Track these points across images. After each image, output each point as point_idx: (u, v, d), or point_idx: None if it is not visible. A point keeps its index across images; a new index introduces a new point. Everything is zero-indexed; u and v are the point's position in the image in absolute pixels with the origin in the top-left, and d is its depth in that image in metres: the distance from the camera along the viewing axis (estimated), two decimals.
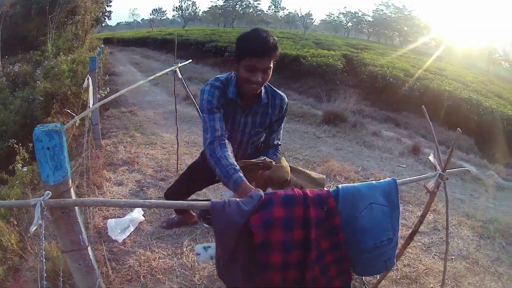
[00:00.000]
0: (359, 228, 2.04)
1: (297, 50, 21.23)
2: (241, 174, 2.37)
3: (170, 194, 3.84)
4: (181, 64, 5.76)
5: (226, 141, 2.66)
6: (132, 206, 4.44)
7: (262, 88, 2.78)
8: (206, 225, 4.59)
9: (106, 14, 40.45)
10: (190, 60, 7.19)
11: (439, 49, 71.70)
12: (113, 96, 3.84)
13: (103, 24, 46.25)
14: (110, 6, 40.80)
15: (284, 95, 3.02)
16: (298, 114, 11.90)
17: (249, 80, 2.58)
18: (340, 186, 2.05)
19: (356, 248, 2.09)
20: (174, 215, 4.57)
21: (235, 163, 2.49)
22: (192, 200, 5.13)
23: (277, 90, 2.99)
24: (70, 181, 1.70)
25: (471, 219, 6.39)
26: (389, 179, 2.18)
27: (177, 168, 6.12)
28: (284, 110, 3.06)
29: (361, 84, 17.48)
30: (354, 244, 2.08)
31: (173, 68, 5.55)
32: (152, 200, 1.61)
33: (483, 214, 6.78)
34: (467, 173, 9.17)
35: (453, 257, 5.01)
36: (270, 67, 2.56)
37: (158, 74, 5.27)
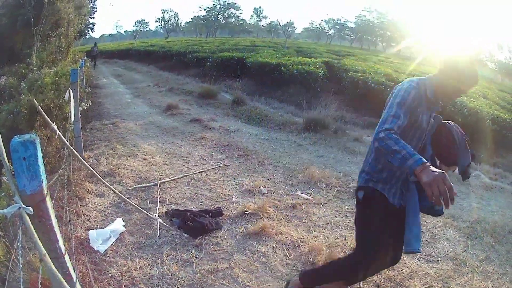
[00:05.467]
0: None
1: (278, 59, 21.27)
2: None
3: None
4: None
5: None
6: None
7: None
8: (185, 235, 4.71)
9: (90, 26, 40.55)
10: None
11: (422, 52, 72.17)
12: None
13: (87, 36, 46.28)
14: (94, 18, 41.16)
15: None
16: (279, 123, 11.92)
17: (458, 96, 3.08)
18: None
19: None
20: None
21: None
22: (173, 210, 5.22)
23: None
24: (45, 190, 1.75)
25: (457, 220, 6.38)
26: None
27: None
28: None
29: (343, 91, 17.66)
30: None
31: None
32: None
33: (469, 214, 6.80)
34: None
35: (439, 258, 5.01)
36: None
37: None
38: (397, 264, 4.21)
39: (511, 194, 9.28)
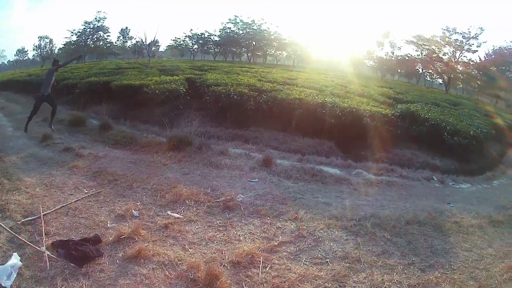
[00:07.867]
0: None
1: (141, 80, 21.43)
2: None
3: None
4: None
5: None
6: None
7: None
8: (72, 264, 5.18)
9: None
10: None
11: (289, 59, 74.24)
12: None
13: None
14: None
15: None
16: (144, 144, 12.54)
17: None
18: None
19: None
20: None
21: None
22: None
23: None
24: None
25: (341, 220, 6.99)
26: None
27: None
28: None
29: (205, 106, 18.05)
30: None
31: None
32: None
33: (355, 213, 7.43)
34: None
35: (328, 259, 5.51)
36: None
37: None
38: (282, 271, 5.10)
39: (401, 186, 10.32)
